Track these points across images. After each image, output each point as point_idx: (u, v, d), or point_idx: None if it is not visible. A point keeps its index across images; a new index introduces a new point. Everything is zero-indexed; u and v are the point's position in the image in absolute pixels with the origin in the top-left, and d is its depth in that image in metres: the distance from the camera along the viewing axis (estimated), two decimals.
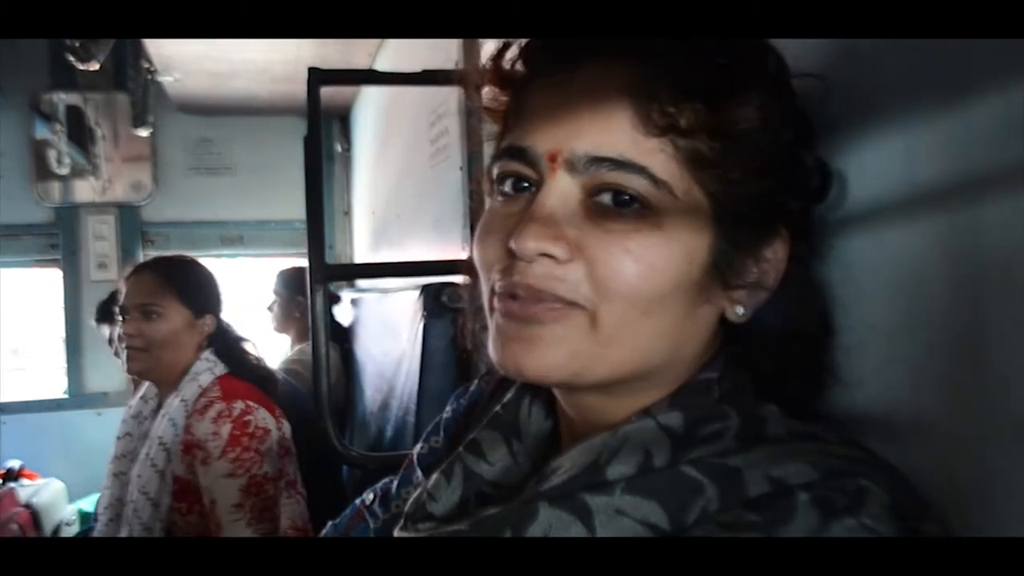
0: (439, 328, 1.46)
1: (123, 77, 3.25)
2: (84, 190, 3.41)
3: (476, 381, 0.71)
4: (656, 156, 0.45)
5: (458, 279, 1.36)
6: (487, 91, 0.56)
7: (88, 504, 2.76)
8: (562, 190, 0.47)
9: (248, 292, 3.16)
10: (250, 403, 1.51)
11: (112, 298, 2.27)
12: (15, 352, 4.18)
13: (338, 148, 3.67)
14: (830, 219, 0.55)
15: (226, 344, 1.65)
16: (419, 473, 0.68)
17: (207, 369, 1.58)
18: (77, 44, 2.32)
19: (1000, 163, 0.43)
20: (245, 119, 3.55)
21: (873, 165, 0.53)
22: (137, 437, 1.65)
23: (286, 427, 1.55)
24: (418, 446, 0.71)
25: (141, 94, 3.13)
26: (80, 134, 3.29)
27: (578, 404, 0.53)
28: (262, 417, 1.50)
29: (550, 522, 0.45)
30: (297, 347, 2.69)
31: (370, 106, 3.09)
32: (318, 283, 1.29)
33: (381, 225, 2.92)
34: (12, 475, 2.59)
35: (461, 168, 1.68)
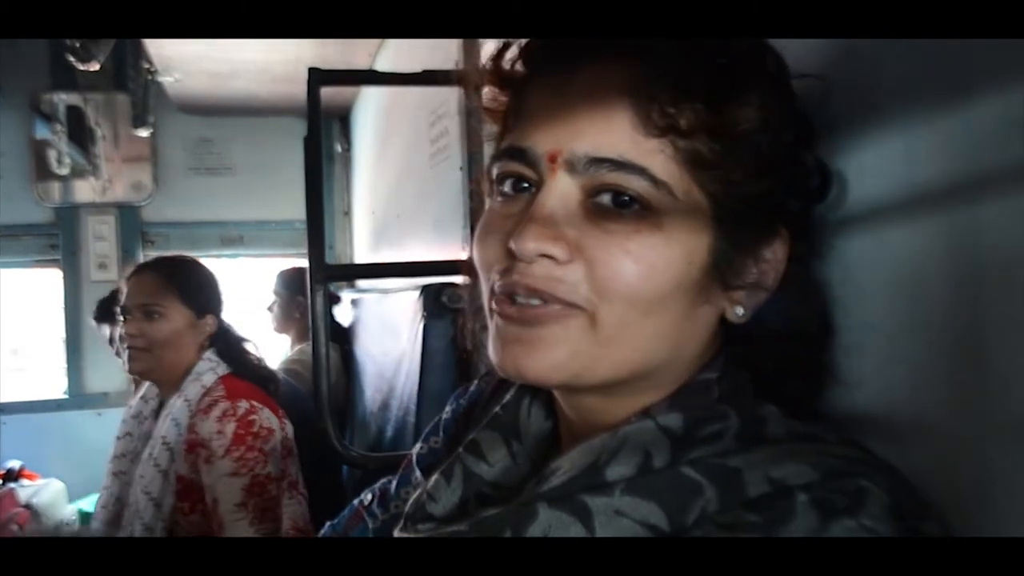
0: (439, 328, 1.45)
1: (123, 77, 3.25)
2: (84, 190, 3.40)
3: (476, 382, 0.71)
4: (656, 157, 0.45)
5: (458, 279, 1.36)
6: (487, 91, 0.56)
7: (88, 504, 2.76)
8: (562, 191, 0.47)
9: (248, 292, 3.15)
10: (254, 403, 1.51)
11: (112, 297, 2.27)
12: (15, 352, 4.17)
13: (338, 148, 3.67)
14: (830, 219, 0.55)
15: (227, 344, 1.65)
16: (418, 474, 0.68)
17: (210, 369, 1.58)
18: (77, 44, 2.32)
19: (1000, 163, 0.43)
20: (245, 119, 3.54)
21: (873, 165, 0.53)
22: (137, 437, 1.65)
23: (289, 428, 1.55)
24: (417, 446, 0.71)
25: (141, 94, 3.13)
26: (80, 134, 3.29)
27: (578, 405, 0.53)
28: (266, 417, 1.50)
29: (550, 523, 0.45)
30: (297, 347, 2.69)
31: (370, 106, 3.09)
32: (318, 283, 1.29)
33: (381, 225, 2.92)
34: (12, 475, 2.59)
35: (461, 168, 1.68)
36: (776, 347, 0.52)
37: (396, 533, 0.56)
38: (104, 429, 2.09)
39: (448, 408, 0.71)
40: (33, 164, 3.33)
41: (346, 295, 2.63)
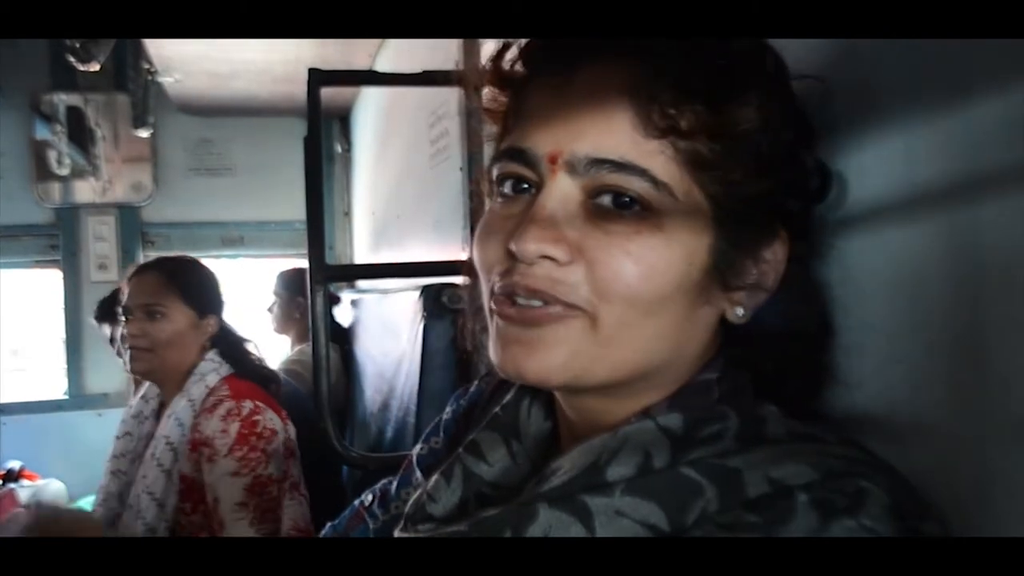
0: (439, 329, 1.45)
1: (123, 78, 3.25)
2: (84, 191, 3.40)
3: (476, 382, 0.71)
4: (657, 158, 0.45)
5: (458, 280, 1.36)
6: (487, 92, 0.55)
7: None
8: (562, 192, 0.47)
9: (248, 293, 3.15)
10: (259, 403, 1.51)
11: (113, 297, 2.27)
12: (15, 353, 4.17)
13: (338, 149, 3.67)
14: (830, 219, 0.55)
15: (229, 345, 1.65)
16: (418, 474, 0.68)
17: (213, 370, 1.58)
18: (77, 45, 2.32)
19: (1000, 163, 0.43)
20: (245, 120, 3.54)
21: (873, 165, 0.53)
22: (137, 437, 1.65)
23: (291, 429, 1.55)
24: (417, 447, 0.71)
25: (141, 95, 3.13)
26: (80, 135, 3.29)
27: (578, 405, 0.53)
28: (270, 418, 1.50)
29: (550, 523, 0.45)
30: (297, 348, 2.69)
31: (370, 107, 3.09)
32: (318, 284, 1.29)
33: (381, 226, 2.92)
34: (12, 476, 2.59)
35: (461, 169, 1.68)
36: (776, 347, 0.52)
37: (396, 533, 0.56)
38: (104, 430, 2.09)
39: (448, 409, 0.71)
40: (33, 164, 3.33)
41: (346, 295, 2.63)
